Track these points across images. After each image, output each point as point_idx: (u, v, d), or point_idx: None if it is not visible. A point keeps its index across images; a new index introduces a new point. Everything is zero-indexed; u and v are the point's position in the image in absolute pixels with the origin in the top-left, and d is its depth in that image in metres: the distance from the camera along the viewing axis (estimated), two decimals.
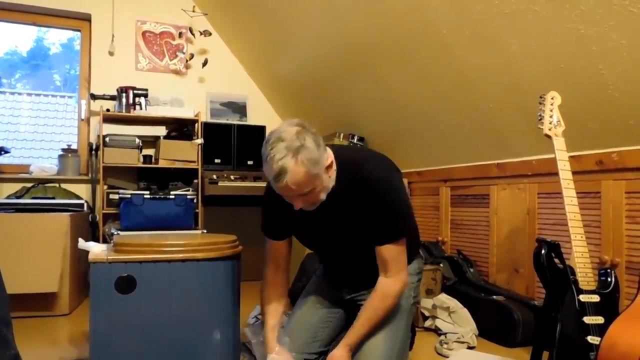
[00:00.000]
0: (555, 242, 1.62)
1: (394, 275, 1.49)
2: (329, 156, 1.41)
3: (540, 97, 1.79)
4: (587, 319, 1.54)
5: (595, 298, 1.57)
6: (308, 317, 1.67)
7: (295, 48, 3.40)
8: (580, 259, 1.59)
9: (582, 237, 1.61)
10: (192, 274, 1.70)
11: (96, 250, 1.75)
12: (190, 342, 1.71)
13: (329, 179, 1.42)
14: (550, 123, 1.73)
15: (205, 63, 3.93)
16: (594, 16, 1.69)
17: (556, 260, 1.61)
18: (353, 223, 1.50)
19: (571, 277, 1.59)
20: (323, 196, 1.41)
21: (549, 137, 1.73)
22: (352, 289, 1.71)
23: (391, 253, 1.47)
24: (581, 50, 1.83)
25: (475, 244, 2.88)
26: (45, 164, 3.64)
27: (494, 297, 2.41)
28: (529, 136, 2.37)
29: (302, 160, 1.27)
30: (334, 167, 1.45)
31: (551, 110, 1.74)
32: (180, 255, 1.69)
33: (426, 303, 2.51)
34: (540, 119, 1.75)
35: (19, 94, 7.02)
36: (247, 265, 2.17)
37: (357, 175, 1.46)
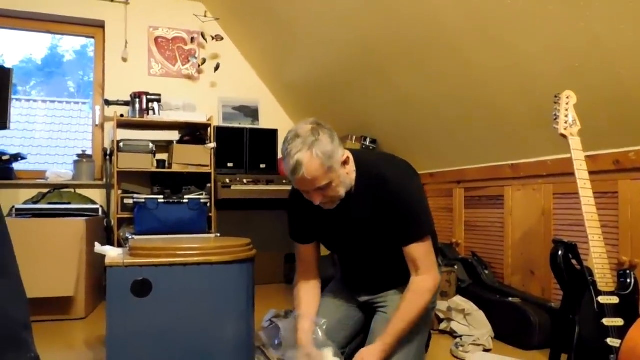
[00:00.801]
0: (573, 243, 1.60)
1: (426, 273, 1.50)
2: (346, 153, 1.46)
3: (555, 97, 1.77)
4: (606, 321, 1.52)
5: (614, 300, 1.55)
6: (326, 318, 1.67)
7: (306, 51, 3.41)
8: (599, 260, 1.57)
9: (599, 237, 1.59)
10: (207, 278, 1.71)
11: (112, 254, 1.77)
12: (204, 345, 1.72)
13: (347, 175, 1.45)
14: (566, 122, 1.71)
15: (217, 68, 3.96)
16: (608, 14, 1.67)
17: (573, 262, 1.59)
18: (373, 223, 1.51)
19: (589, 278, 1.57)
20: (342, 191, 1.44)
21: (564, 136, 1.71)
22: (370, 292, 1.71)
23: (419, 252, 1.49)
24: (595, 48, 1.81)
25: (490, 246, 2.86)
26: (60, 170, 3.69)
27: (510, 299, 2.38)
28: (543, 136, 2.34)
29: (316, 153, 1.34)
30: (352, 164, 1.48)
31: (566, 110, 1.72)
32: (195, 259, 1.69)
33: (441, 305, 2.49)
34: (556, 119, 1.73)
35: (34, 101, 7.13)
36: (260, 269, 2.17)
37: (374, 176, 1.49)
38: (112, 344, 1.63)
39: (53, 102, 7.16)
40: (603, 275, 1.56)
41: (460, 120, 2.74)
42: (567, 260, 1.58)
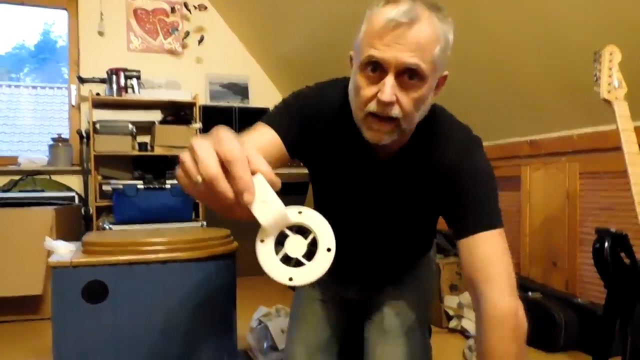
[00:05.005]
0: (622, 233, 1.31)
1: (505, 290, 0.89)
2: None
3: (595, 54, 1.46)
4: None
5: None
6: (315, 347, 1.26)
7: (299, 22, 3.12)
8: None
9: None
10: (176, 278, 1.45)
11: (63, 251, 1.50)
12: (175, 357, 1.45)
13: (425, 107, 0.95)
14: (609, 84, 1.41)
15: (201, 40, 3.65)
16: None
17: (622, 255, 1.31)
18: (417, 191, 1.06)
19: None
20: (416, 116, 0.93)
21: (607, 102, 1.41)
22: (364, 287, 1.28)
23: (493, 250, 0.93)
24: None
25: (505, 233, 2.57)
26: (34, 155, 3.42)
27: (530, 294, 2.12)
28: (568, 106, 2.05)
29: (438, 20, 0.89)
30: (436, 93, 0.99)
31: (610, 69, 1.42)
32: (161, 256, 1.43)
33: (451, 301, 2.24)
34: (597, 80, 1.43)
35: (16, 86, 6.84)
36: (248, 259, 1.89)
37: (441, 130, 1.04)
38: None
39: (35, 87, 6.87)
40: None
41: (471, 88, 2.43)
42: (614, 254, 1.30)
